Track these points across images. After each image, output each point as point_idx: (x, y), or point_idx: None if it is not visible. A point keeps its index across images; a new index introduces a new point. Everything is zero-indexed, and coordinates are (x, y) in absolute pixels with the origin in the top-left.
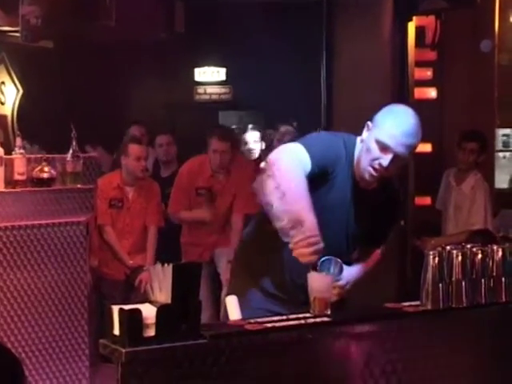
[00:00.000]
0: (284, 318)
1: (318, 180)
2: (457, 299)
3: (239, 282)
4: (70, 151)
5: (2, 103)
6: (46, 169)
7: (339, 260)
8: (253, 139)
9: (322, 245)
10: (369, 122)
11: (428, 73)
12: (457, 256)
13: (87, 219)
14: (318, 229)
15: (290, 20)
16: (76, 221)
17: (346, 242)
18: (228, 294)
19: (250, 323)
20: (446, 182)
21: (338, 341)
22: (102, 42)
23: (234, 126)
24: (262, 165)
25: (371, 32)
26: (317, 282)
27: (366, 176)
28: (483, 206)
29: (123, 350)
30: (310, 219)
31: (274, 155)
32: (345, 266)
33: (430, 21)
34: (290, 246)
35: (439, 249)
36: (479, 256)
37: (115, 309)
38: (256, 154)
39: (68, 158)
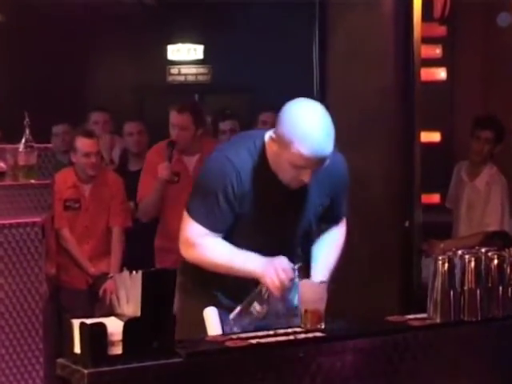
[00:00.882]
0: (271, 332)
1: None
2: (470, 311)
3: (191, 299)
4: (23, 141)
5: None
6: None
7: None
8: (229, 128)
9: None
10: (272, 135)
11: (437, 51)
12: (470, 261)
13: (43, 220)
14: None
15: None
16: (30, 222)
17: (297, 237)
18: (180, 311)
19: (232, 339)
20: (458, 177)
21: (333, 359)
22: (60, 16)
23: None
24: None
25: (371, 3)
26: (308, 291)
27: (293, 186)
28: (499, 204)
29: (85, 371)
30: (259, 267)
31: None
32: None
33: None
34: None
35: (449, 253)
36: (495, 261)
37: (76, 323)
38: None
39: (20, 149)
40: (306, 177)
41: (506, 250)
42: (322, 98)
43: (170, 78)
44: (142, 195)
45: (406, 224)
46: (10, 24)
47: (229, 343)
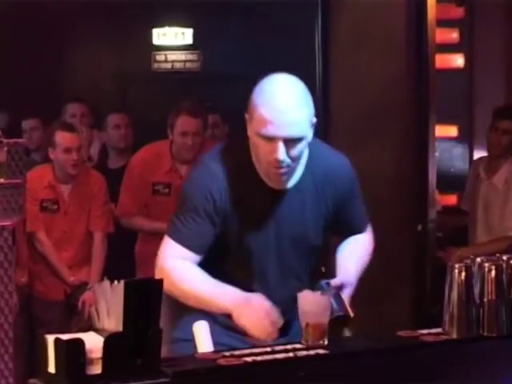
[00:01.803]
0: (268, 349)
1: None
2: (489, 326)
3: (179, 312)
4: None
5: None
6: None
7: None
8: (211, 122)
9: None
10: (246, 114)
11: (453, 35)
12: (490, 270)
13: (13, 224)
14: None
15: None
16: None
17: (299, 258)
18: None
19: (225, 356)
20: (475, 175)
21: (337, 379)
22: None
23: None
24: None
25: None
26: (310, 303)
27: (274, 178)
28: None
29: None
30: (232, 305)
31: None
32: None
33: None
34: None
35: (467, 261)
36: None
37: (50, 339)
38: None
39: None
40: (279, 154)
41: None
42: (324, 89)
43: (156, 66)
44: (125, 212)
45: (419, 228)
46: None
47: (221, 361)
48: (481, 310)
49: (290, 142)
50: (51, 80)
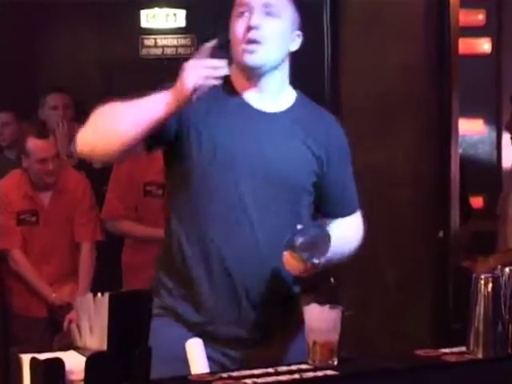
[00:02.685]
0: (271, 370)
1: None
2: None
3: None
4: None
5: None
6: None
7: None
8: None
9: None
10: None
11: (479, 16)
12: None
13: None
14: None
15: None
16: None
17: (293, 191)
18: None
19: (222, 378)
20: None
21: None
22: None
23: None
24: None
25: None
26: (317, 319)
27: (245, 59)
28: None
29: None
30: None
31: None
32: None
33: None
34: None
35: (495, 271)
36: None
37: (26, 358)
38: None
39: None
40: (254, 19)
41: None
42: (332, 78)
43: (144, 51)
44: (110, 215)
45: (440, 234)
46: None
47: (217, 383)
48: (509, 327)
49: (267, 15)
50: (26, 68)
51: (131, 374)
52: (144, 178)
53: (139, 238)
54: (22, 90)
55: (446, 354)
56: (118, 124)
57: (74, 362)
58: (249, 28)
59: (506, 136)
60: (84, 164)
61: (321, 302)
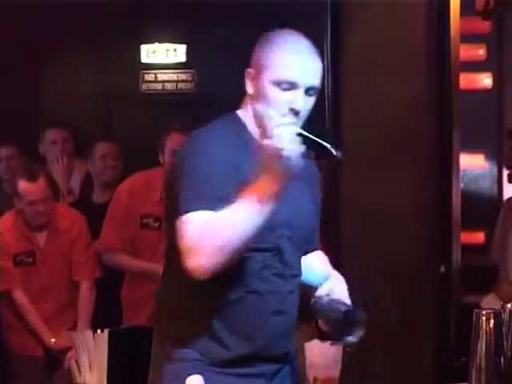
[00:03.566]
0: None
1: None
2: None
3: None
4: None
5: None
6: None
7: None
8: None
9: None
10: (249, 69)
11: (479, 51)
12: None
13: None
14: None
15: None
16: None
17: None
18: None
19: None
20: (508, 215)
21: None
22: (7, 7)
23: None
24: None
25: None
26: (318, 354)
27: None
28: None
29: None
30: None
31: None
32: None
33: None
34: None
35: (497, 307)
36: None
37: None
38: None
39: None
40: (297, 102)
41: None
42: (334, 112)
43: (145, 86)
44: (107, 247)
45: (442, 269)
46: None
47: None
48: None
49: (307, 95)
50: (28, 102)
51: None
52: (141, 211)
53: (134, 271)
54: (22, 124)
55: None
56: (240, 237)
57: None
58: (294, 111)
59: (506, 171)
60: (85, 199)
61: (322, 338)
